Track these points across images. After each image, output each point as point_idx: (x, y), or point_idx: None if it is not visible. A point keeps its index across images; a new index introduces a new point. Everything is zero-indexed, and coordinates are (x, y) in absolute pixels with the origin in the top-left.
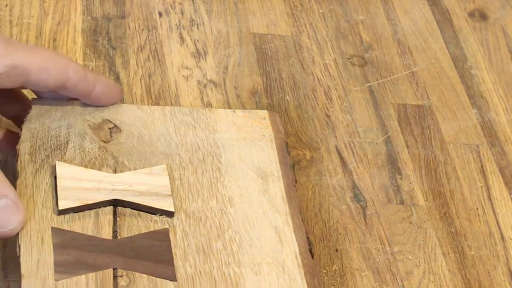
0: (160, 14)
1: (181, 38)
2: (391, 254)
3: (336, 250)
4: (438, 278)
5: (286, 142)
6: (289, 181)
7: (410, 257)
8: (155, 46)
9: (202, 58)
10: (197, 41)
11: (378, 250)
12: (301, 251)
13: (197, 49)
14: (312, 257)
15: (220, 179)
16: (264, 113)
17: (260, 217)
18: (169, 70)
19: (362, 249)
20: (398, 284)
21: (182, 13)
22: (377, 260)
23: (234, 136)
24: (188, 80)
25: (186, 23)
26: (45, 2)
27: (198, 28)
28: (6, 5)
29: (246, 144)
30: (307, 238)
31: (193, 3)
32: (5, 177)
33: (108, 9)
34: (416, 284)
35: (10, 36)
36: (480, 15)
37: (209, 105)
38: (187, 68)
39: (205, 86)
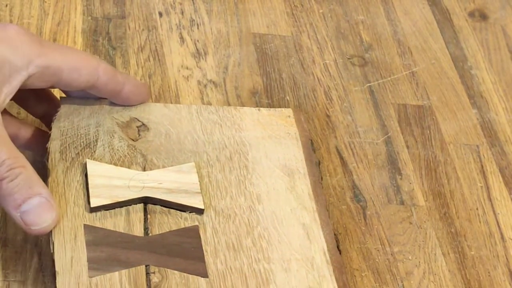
0: (160, 14)
1: (181, 38)
2: (391, 254)
3: None
4: (438, 279)
5: (311, 140)
6: (315, 178)
7: (410, 257)
8: (155, 46)
9: (202, 58)
10: (197, 41)
11: (378, 250)
12: (329, 247)
13: (197, 49)
14: (340, 253)
15: (248, 176)
16: (289, 111)
17: (287, 214)
18: (169, 70)
19: (362, 249)
20: (398, 284)
21: (182, 13)
22: (377, 260)
23: (259, 134)
24: (188, 80)
25: (186, 23)
26: (45, 2)
27: (198, 28)
28: (6, 5)
29: (272, 142)
30: (334, 234)
31: (193, 3)
32: (38, 175)
33: (108, 9)
34: (416, 285)
35: None
36: (480, 15)
37: (209, 105)
38: (187, 68)
39: (205, 86)
